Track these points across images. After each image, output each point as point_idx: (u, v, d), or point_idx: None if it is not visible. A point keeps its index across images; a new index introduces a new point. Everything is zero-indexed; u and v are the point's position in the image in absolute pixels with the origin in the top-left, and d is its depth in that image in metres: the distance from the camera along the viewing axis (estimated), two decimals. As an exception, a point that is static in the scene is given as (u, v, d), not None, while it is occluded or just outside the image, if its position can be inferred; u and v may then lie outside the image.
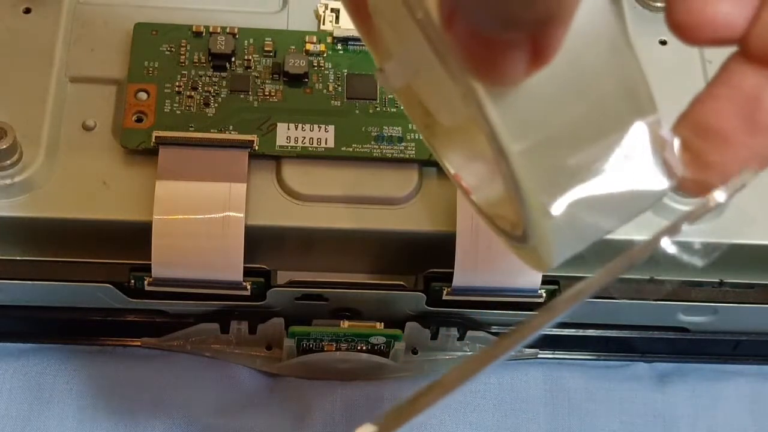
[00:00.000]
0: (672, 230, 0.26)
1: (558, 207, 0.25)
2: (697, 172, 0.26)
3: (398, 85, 0.29)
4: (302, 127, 0.46)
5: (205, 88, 0.46)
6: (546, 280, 0.45)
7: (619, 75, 0.24)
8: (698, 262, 0.26)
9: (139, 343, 0.50)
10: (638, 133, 0.25)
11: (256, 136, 0.45)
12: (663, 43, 0.50)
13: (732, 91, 0.25)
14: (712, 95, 0.26)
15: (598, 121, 0.25)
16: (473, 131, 0.28)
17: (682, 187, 0.26)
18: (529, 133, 0.24)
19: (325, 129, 0.46)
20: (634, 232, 0.29)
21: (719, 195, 0.26)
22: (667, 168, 0.26)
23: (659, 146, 0.25)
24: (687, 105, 0.26)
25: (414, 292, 0.46)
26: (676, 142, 0.26)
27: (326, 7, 0.49)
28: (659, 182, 0.26)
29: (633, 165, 0.25)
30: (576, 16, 0.22)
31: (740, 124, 0.25)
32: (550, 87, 0.24)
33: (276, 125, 0.46)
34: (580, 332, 0.50)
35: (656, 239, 0.26)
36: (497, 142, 0.24)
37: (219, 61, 0.47)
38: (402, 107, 0.32)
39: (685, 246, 0.26)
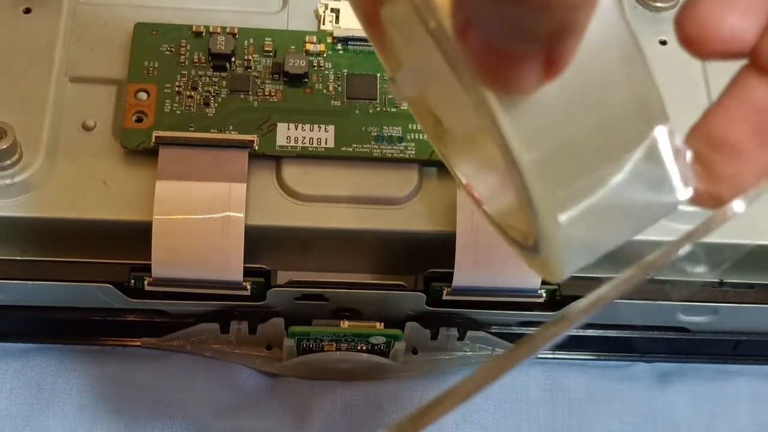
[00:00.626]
0: (689, 239, 0.26)
1: (569, 218, 0.25)
2: (709, 184, 0.26)
3: (410, 94, 0.29)
4: (302, 127, 0.46)
5: (205, 88, 0.46)
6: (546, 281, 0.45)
7: (631, 84, 0.24)
8: (705, 271, 0.26)
9: (139, 343, 0.50)
10: (650, 144, 0.25)
11: (256, 136, 0.45)
12: (663, 43, 0.50)
13: (743, 103, 0.25)
14: (723, 107, 0.26)
15: (610, 130, 0.24)
16: (485, 141, 0.28)
17: (694, 200, 0.26)
18: (541, 142, 0.24)
19: (325, 129, 0.46)
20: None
21: (738, 205, 0.26)
22: (679, 179, 0.26)
23: (671, 157, 0.25)
24: (699, 117, 0.26)
25: (414, 292, 0.46)
26: (689, 154, 0.26)
27: (326, 7, 0.49)
28: (671, 194, 0.26)
29: (645, 176, 0.25)
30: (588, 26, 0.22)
31: (752, 136, 0.25)
32: (562, 96, 0.24)
33: (276, 125, 0.46)
34: (580, 332, 0.50)
35: (674, 248, 0.26)
36: (509, 152, 0.24)
37: (219, 61, 0.47)
38: (403, 108, 0.32)
39: (693, 257, 0.26)
